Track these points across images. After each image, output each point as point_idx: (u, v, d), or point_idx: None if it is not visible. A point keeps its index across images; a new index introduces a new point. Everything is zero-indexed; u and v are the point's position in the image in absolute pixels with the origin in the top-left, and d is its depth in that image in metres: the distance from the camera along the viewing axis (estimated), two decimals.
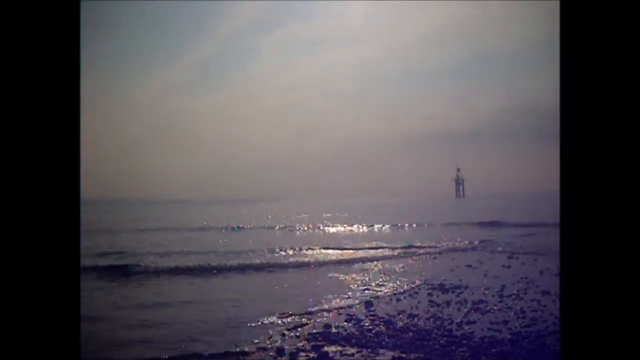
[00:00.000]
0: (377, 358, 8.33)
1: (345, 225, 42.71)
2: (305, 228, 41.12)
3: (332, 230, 40.38)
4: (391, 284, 15.16)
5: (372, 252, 24.37)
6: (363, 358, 8.37)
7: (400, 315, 10.94)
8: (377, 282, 15.61)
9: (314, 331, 9.89)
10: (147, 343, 9.51)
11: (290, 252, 24.72)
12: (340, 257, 22.60)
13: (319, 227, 41.21)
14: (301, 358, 8.40)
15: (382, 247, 25.95)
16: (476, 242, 27.08)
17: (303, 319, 10.94)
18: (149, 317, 11.66)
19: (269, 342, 9.32)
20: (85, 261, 20.18)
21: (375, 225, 43.16)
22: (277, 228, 41.85)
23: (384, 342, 9.05)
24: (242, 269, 19.33)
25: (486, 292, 13.52)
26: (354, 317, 10.97)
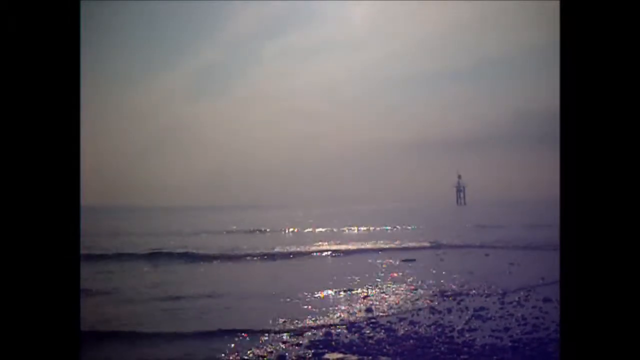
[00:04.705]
0: None
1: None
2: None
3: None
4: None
5: None
6: None
7: (401, 322, 10.91)
8: None
9: (315, 338, 9.86)
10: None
11: None
12: None
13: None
14: None
15: None
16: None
17: (304, 325, 10.92)
18: None
19: (270, 349, 9.30)
20: None
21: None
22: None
23: (384, 350, 9.02)
24: None
25: (487, 299, 13.49)
26: (355, 324, 10.93)
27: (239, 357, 8.90)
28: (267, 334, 10.28)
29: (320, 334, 10.23)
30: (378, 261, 23.27)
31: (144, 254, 27.55)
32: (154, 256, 26.68)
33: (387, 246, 30.88)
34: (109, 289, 16.42)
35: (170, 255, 26.85)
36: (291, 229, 49.66)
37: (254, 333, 10.39)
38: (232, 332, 10.45)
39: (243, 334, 10.33)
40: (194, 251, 28.36)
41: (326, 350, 9.07)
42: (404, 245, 30.78)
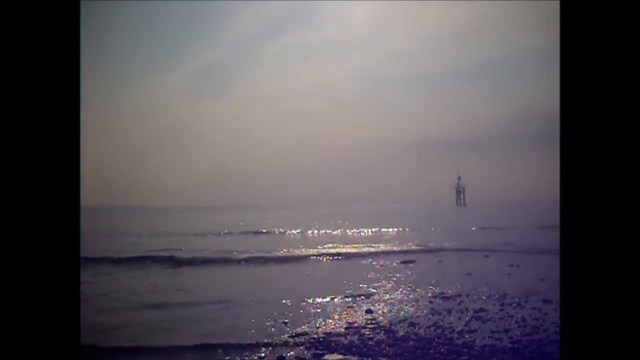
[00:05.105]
0: None
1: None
2: None
3: None
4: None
5: None
6: None
7: (401, 324, 10.90)
8: None
9: (315, 339, 9.86)
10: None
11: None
12: None
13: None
14: None
15: None
16: None
17: (304, 326, 10.91)
18: None
19: (270, 349, 9.30)
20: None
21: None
22: None
23: (384, 351, 9.02)
24: None
25: (487, 300, 13.48)
26: (355, 325, 10.93)
27: (237, 357, 8.90)
28: (267, 339, 10.22)
29: (320, 335, 10.22)
30: (377, 263, 23.25)
31: (139, 256, 26.87)
32: (152, 259, 26.04)
33: (386, 247, 30.83)
34: (96, 295, 15.85)
35: (166, 259, 26.18)
36: (290, 231, 49.52)
37: (254, 344, 9.97)
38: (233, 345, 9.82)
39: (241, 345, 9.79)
40: (192, 255, 27.62)
41: (326, 352, 9.07)
42: (403, 247, 30.73)
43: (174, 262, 25.30)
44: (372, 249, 29.85)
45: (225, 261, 25.72)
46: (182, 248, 31.17)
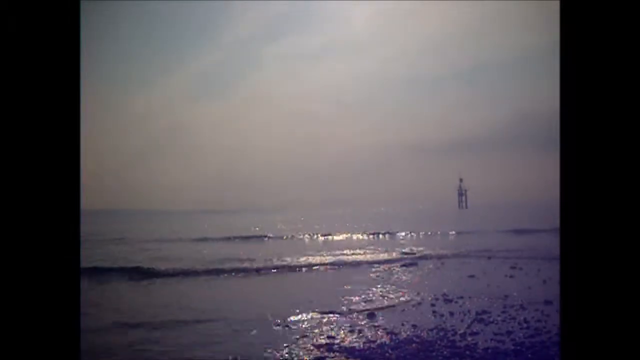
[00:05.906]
0: None
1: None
2: None
3: None
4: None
5: None
6: None
7: (404, 326, 10.89)
8: None
9: (317, 342, 9.85)
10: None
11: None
12: None
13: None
14: None
15: None
16: None
17: (305, 330, 10.90)
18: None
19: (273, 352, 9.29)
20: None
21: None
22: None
23: (387, 354, 9.00)
24: None
25: (489, 302, 13.46)
26: (356, 328, 10.92)
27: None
28: (270, 344, 10.22)
29: (322, 338, 10.22)
30: (379, 266, 23.22)
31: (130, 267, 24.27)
32: (130, 270, 23.30)
33: (388, 250, 30.79)
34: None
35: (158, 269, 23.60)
36: (291, 235, 49.33)
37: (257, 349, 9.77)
38: None
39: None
40: (187, 265, 25.08)
41: (328, 355, 9.06)
42: (405, 250, 30.68)
43: (152, 273, 22.48)
44: (373, 253, 29.81)
45: (226, 269, 24.33)
46: (181, 257, 29.87)
